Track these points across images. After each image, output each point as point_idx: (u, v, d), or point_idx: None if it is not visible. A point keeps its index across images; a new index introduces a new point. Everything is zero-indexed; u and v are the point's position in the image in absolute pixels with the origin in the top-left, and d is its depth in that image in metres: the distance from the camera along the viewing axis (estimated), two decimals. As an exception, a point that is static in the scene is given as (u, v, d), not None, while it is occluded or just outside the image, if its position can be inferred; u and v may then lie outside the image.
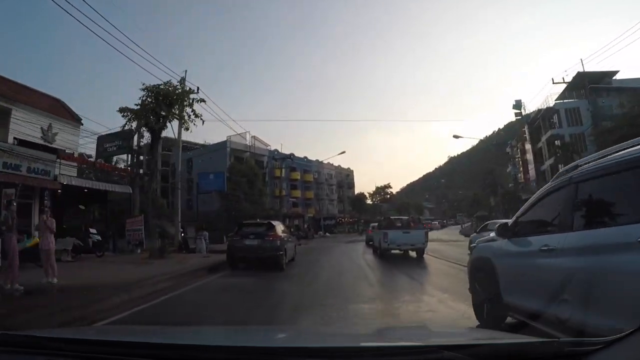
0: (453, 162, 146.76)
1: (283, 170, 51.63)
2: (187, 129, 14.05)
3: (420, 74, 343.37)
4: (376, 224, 23.90)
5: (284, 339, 1.92)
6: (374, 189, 67.45)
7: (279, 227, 12.48)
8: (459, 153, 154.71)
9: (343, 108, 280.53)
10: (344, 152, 40.84)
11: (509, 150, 50.76)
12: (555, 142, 31.38)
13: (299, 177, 54.89)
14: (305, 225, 34.61)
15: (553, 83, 27.93)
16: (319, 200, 60.44)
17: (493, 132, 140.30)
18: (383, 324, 4.96)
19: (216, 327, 3.68)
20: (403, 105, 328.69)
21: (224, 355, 1.36)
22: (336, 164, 66.01)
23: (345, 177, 66.58)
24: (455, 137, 26.60)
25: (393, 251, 14.98)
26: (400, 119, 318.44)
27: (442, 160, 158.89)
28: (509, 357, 1.25)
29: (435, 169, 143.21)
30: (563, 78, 27.74)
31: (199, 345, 1.44)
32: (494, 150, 56.89)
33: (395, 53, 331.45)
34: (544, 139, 35.16)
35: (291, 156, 40.04)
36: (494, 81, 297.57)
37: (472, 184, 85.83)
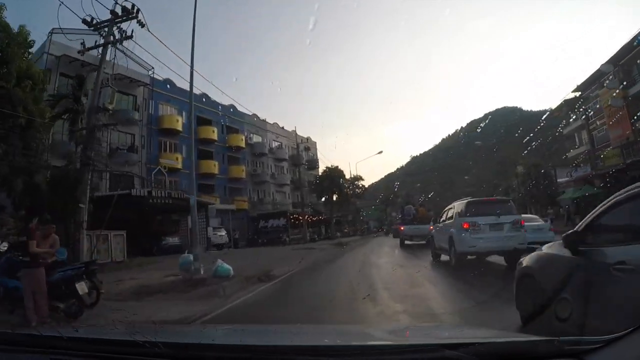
0: (416, 161, 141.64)
1: (180, 120, 27.68)
2: None
3: (371, 74, 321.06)
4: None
5: (285, 338, 1.87)
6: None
7: None
8: (422, 152, 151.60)
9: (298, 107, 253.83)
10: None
11: (558, 112, 29.32)
12: None
13: (215, 138, 30.57)
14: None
15: None
16: (258, 183, 36.71)
17: (455, 131, 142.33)
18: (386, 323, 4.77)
19: (219, 325, 3.59)
20: (370, 108, 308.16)
21: (227, 354, 1.39)
22: (290, 129, 42.47)
23: (304, 151, 42.57)
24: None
25: None
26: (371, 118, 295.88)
27: (404, 160, 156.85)
28: (510, 355, 1.27)
29: (397, 169, 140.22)
30: None
31: (199, 344, 1.48)
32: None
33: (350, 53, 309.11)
34: None
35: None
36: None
37: (437, 182, 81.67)
